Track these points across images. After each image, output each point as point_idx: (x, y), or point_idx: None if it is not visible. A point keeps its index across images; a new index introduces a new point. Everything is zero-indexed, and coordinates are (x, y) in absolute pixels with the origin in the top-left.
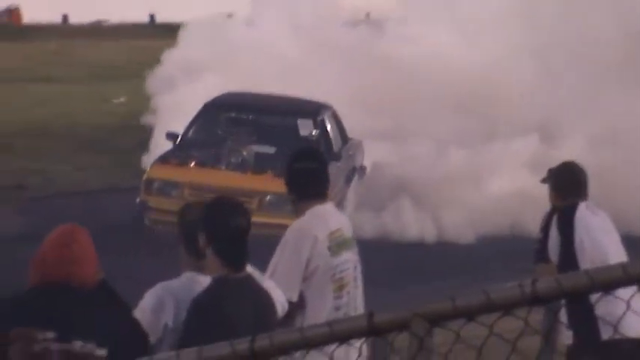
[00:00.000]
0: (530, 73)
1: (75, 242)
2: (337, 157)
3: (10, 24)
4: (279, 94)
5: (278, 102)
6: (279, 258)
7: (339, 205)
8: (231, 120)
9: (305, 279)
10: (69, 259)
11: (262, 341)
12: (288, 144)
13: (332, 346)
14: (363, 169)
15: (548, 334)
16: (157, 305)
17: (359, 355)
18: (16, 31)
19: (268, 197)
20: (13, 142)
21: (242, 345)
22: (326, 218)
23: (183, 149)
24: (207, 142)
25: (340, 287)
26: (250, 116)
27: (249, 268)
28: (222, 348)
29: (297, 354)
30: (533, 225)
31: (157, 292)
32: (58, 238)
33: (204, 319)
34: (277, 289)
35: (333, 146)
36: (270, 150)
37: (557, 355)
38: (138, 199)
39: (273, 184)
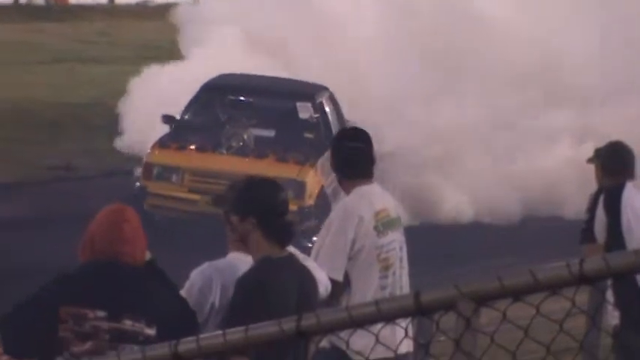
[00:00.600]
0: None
1: (125, 221)
2: None
3: (57, 4)
4: (275, 76)
5: (276, 84)
6: (325, 238)
7: (336, 190)
8: (229, 102)
9: (350, 259)
10: (119, 238)
11: (309, 320)
12: (288, 127)
13: (378, 326)
14: None
15: (595, 314)
16: (204, 285)
17: (405, 335)
18: (63, 11)
19: None
20: (61, 122)
21: (289, 324)
22: (371, 198)
23: (181, 133)
24: (206, 125)
25: (386, 267)
26: (248, 99)
27: (291, 248)
28: (269, 327)
29: (343, 333)
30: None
31: (204, 271)
32: (107, 217)
33: (249, 299)
34: (320, 269)
35: (333, 129)
36: (269, 133)
37: (604, 335)
38: (137, 184)
39: (276, 169)
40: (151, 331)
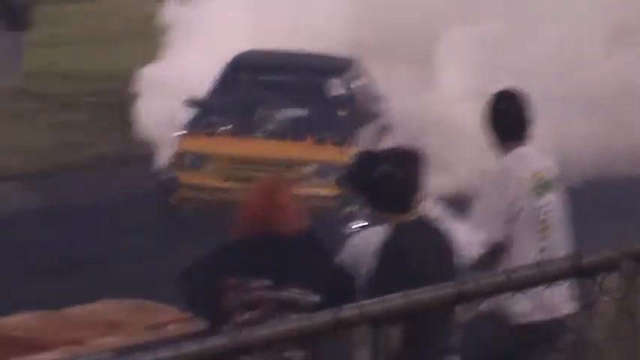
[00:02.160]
0: None
1: (279, 192)
2: (372, 116)
3: None
4: (302, 51)
5: (304, 59)
6: (483, 200)
7: None
8: (258, 82)
9: (509, 220)
10: (274, 207)
11: (468, 284)
12: (320, 105)
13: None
14: (390, 126)
15: None
16: (358, 252)
17: (564, 299)
18: None
19: (312, 167)
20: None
21: (447, 289)
22: (528, 160)
23: (209, 116)
24: (234, 107)
25: (545, 228)
26: (278, 77)
27: (441, 211)
28: (429, 292)
29: (503, 296)
30: None
31: (359, 239)
32: (262, 189)
33: (385, 265)
34: (473, 229)
35: (365, 104)
36: (302, 113)
37: None
38: (164, 175)
39: (314, 152)
40: (315, 298)
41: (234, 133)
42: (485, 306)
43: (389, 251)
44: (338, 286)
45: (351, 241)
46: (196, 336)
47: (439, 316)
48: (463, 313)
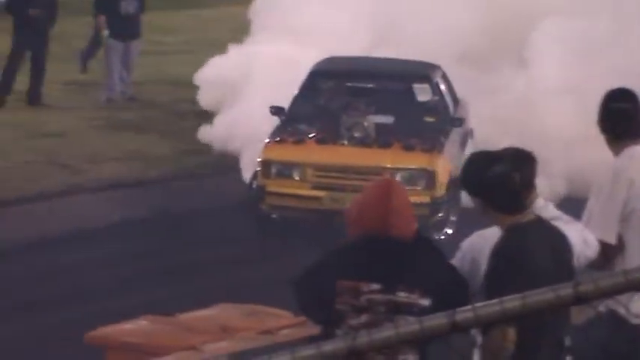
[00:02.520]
0: None
1: (394, 194)
2: (459, 122)
3: None
4: (385, 57)
5: (388, 65)
6: (595, 201)
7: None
8: (342, 88)
9: (623, 221)
10: (389, 210)
11: (587, 285)
12: (406, 112)
13: None
14: (471, 130)
15: None
16: (475, 254)
17: None
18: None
19: (399, 174)
20: None
21: (566, 290)
22: None
23: (294, 124)
24: (319, 114)
25: None
26: (362, 83)
27: (554, 211)
28: (546, 293)
29: (621, 297)
30: None
31: (475, 241)
32: (376, 190)
33: (502, 266)
34: (586, 230)
35: (450, 111)
36: (388, 120)
37: None
38: (254, 184)
39: (403, 159)
40: (425, 302)
41: (320, 140)
42: (602, 307)
43: (505, 252)
44: (450, 289)
45: (466, 243)
46: (310, 340)
47: (555, 317)
48: (578, 314)
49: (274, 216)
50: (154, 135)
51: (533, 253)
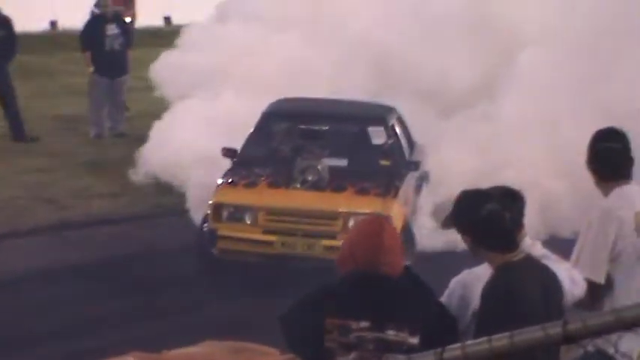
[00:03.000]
0: None
1: (384, 232)
2: (414, 166)
3: None
4: (339, 99)
5: (343, 107)
6: (585, 240)
7: (412, 216)
8: (296, 130)
9: (612, 260)
10: (379, 248)
11: (575, 324)
12: (361, 155)
13: None
14: (427, 173)
15: None
16: (465, 292)
17: None
18: None
19: (353, 218)
20: None
21: (555, 328)
22: (632, 199)
23: (246, 167)
24: (273, 157)
25: None
26: (316, 125)
27: (542, 250)
28: (535, 332)
29: (612, 336)
30: None
31: (464, 278)
32: (367, 228)
33: (494, 305)
34: (573, 269)
35: (406, 154)
36: (343, 163)
37: None
38: (205, 227)
39: (357, 203)
40: (414, 340)
41: (272, 183)
42: (590, 346)
43: (496, 291)
44: (439, 327)
45: (455, 281)
46: None
47: (545, 356)
48: (567, 353)
49: (227, 259)
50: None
51: (524, 292)
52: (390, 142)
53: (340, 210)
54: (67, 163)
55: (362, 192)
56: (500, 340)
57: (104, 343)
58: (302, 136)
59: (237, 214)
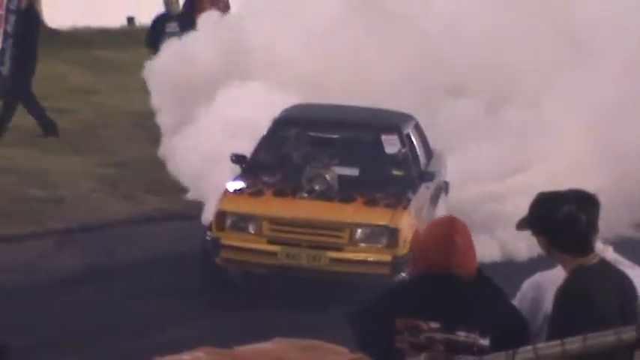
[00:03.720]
0: None
1: (457, 232)
2: (429, 176)
3: None
4: (354, 105)
5: (357, 114)
6: None
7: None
8: (307, 138)
9: None
10: (451, 249)
11: None
12: (373, 164)
13: None
14: (447, 184)
15: None
16: (537, 294)
17: None
18: None
19: (360, 230)
20: None
21: (628, 333)
22: None
23: (254, 175)
24: (282, 165)
25: None
26: (328, 133)
27: (613, 254)
28: (607, 336)
29: None
30: None
31: (537, 281)
32: (438, 229)
33: (567, 309)
34: None
35: (421, 164)
36: (353, 172)
37: None
38: (208, 236)
39: (364, 215)
40: (484, 342)
41: (278, 192)
42: None
43: (570, 294)
44: (510, 329)
45: (527, 283)
46: None
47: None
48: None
49: (229, 270)
50: None
51: (598, 295)
52: (403, 151)
53: (347, 221)
54: (139, 158)
55: (371, 203)
56: (573, 344)
57: (181, 336)
58: (312, 144)
59: (240, 222)
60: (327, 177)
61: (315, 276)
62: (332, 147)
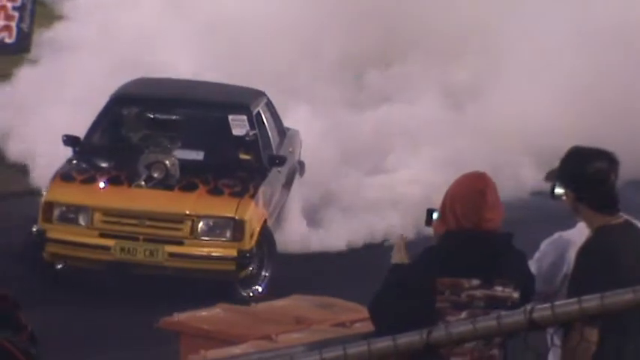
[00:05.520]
0: None
1: (488, 187)
2: (281, 160)
3: None
4: (201, 81)
5: (202, 92)
6: None
7: (279, 217)
8: (146, 118)
9: None
10: (484, 203)
11: None
12: (219, 147)
13: None
14: (302, 164)
15: None
16: (557, 255)
17: None
18: None
19: (202, 222)
20: None
21: None
22: None
23: (87, 159)
24: (118, 148)
25: None
26: (170, 113)
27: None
28: (625, 294)
29: None
30: None
31: (557, 240)
32: (469, 185)
33: (589, 267)
34: None
35: (273, 146)
36: (198, 156)
37: None
38: (34, 228)
39: (208, 205)
40: (516, 295)
41: (113, 180)
42: None
43: (593, 253)
44: (532, 284)
45: (546, 243)
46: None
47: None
48: None
49: (59, 266)
50: None
51: (621, 255)
52: (252, 132)
53: (187, 212)
54: None
55: (215, 192)
56: (591, 302)
57: None
58: (151, 125)
59: (70, 214)
60: (167, 163)
61: (152, 272)
62: (174, 128)
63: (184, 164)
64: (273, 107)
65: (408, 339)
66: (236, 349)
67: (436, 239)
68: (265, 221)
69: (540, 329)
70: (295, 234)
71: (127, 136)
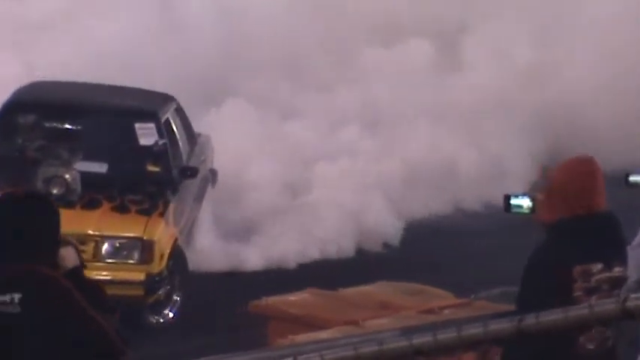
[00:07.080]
0: None
1: (597, 170)
2: (192, 172)
3: None
4: (105, 84)
5: (106, 97)
6: None
7: (190, 232)
8: (44, 127)
9: None
10: (596, 187)
11: None
12: (125, 158)
13: None
14: (214, 173)
15: None
16: None
17: None
18: None
19: (107, 243)
20: None
21: None
22: None
23: None
24: (11, 161)
25: None
26: (70, 121)
27: None
28: None
29: None
30: None
31: None
32: (580, 169)
33: None
34: None
35: (183, 156)
36: (101, 168)
37: None
38: None
39: (112, 225)
40: (626, 275)
41: None
42: None
43: None
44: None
45: None
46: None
47: None
48: None
49: None
50: None
51: None
52: (161, 142)
53: (90, 232)
54: None
55: (120, 209)
56: None
57: None
58: (50, 135)
59: None
60: (67, 177)
61: None
62: (74, 138)
63: (86, 178)
64: (183, 112)
65: (498, 326)
66: (323, 334)
67: (542, 228)
68: (176, 240)
69: (634, 319)
70: (208, 251)
71: (23, 147)
